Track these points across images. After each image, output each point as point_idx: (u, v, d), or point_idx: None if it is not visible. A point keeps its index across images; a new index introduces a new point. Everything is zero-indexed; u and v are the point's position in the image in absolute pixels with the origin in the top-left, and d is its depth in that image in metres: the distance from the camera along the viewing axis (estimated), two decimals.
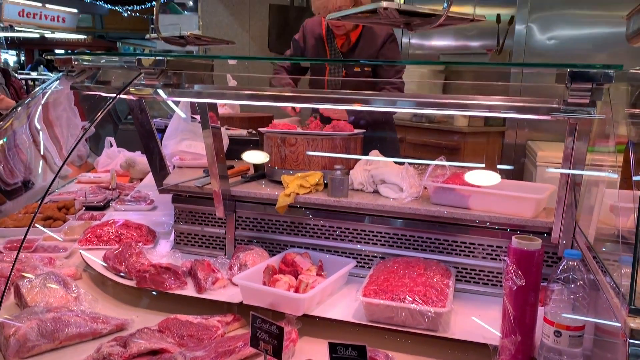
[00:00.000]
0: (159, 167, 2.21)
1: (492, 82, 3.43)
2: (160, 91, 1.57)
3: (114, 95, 1.51)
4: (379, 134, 2.55)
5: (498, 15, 3.26)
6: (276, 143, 2.05)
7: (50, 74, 14.85)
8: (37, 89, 2.45)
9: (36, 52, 23.14)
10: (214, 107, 1.79)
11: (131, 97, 1.65)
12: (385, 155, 2.12)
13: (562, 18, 3.21)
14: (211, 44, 3.03)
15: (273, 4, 5.02)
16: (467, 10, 1.54)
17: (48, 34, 18.00)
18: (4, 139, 1.99)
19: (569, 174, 1.51)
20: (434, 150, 3.32)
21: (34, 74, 14.73)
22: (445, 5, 1.61)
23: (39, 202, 2.73)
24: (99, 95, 1.72)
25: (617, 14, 3.12)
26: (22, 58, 19.85)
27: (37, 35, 18.06)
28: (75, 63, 1.70)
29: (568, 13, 3.20)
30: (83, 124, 3.45)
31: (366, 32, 2.54)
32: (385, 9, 1.58)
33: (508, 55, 3.33)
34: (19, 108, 2.28)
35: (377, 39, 2.53)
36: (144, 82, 1.58)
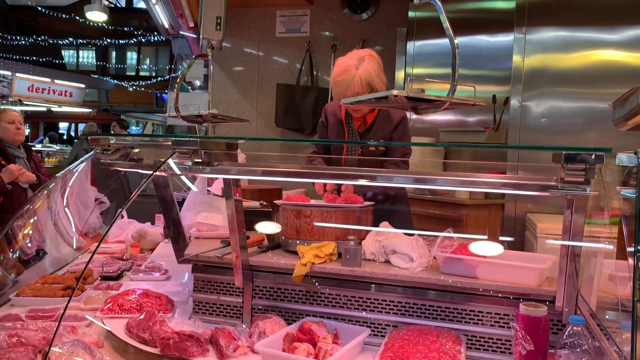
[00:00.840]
0: (179, 239, 2.33)
1: (492, 158, 3.62)
2: (192, 168, 1.71)
3: (150, 172, 1.66)
4: (390, 207, 2.70)
5: (494, 96, 3.50)
6: (292, 215, 2.18)
7: (54, 145, 15.23)
8: (67, 168, 2.63)
9: (41, 124, 23.74)
10: (237, 182, 1.94)
11: (163, 174, 1.79)
12: (397, 227, 2.25)
13: (554, 95, 3.43)
14: (227, 121, 3.23)
15: (280, 83, 5.32)
16: (467, 89, 1.72)
17: (55, 107, 18.60)
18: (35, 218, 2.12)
19: (568, 245, 1.63)
20: (437, 221, 3.46)
21: (39, 146, 15.09)
22: (449, 93, 1.80)
23: (62, 272, 2.83)
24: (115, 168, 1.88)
25: (605, 92, 3.34)
26: (28, 130, 20.33)
27: (44, 109, 18.64)
28: (112, 142, 1.86)
29: (560, 90, 3.42)
30: (97, 195, 3.60)
31: (382, 114, 2.76)
32: (396, 96, 1.76)
33: (504, 132, 3.54)
34: (52, 186, 2.43)
35: (391, 122, 2.74)
36: (176, 161, 1.73)
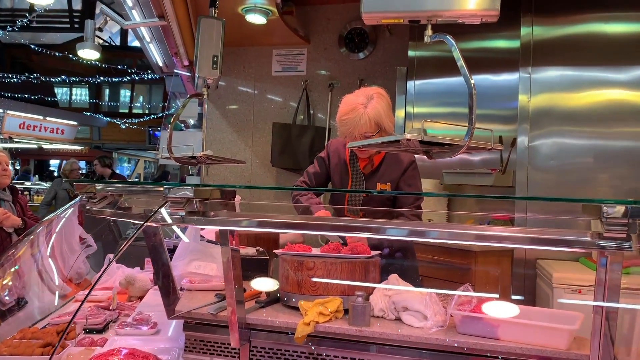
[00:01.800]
0: (169, 292, 2.15)
1: (500, 202, 3.49)
2: (186, 219, 1.56)
3: (141, 222, 1.50)
4: (396, 257, 2.54)
5: (500, 137, 3.40)
6: (293, 267, 2.02)
7: (44, 183, 15.01)
8: (55, 213, 2.46)
9: (32, 161, 23.56)
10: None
11: (154, 224, 1.64)
12: (404, 278, 2.09)
13: (562, 135, 3.35)
14: (222, 163, 3.09)
15: (276, 122, 5.22)
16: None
17: (46, 145, 18.46)
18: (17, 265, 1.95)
19: (603, 306, 1.48)
20: (445, 269, 3.29)
21: (28, 184, 14.86)
22: (467, 136, 1.67)
23: (38, 327, 2.62)
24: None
25: (615, 131, 3.25)
26: (17, 167, 20.14)
27: (35, 146, 18.49)
28: (98, 189, 1.71)
29: (568, 130, 3.34)
30: (84, 235, 3.41)
31: (389, 156, 2.63)
32: (408, 140, 1.63)
33: (512, 174, 3.43)
34: (37, 231, 2.26)
35: (400, 165, 2.61)
36: (168, 210, 1.58)
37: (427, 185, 3.79)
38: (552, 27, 3.43)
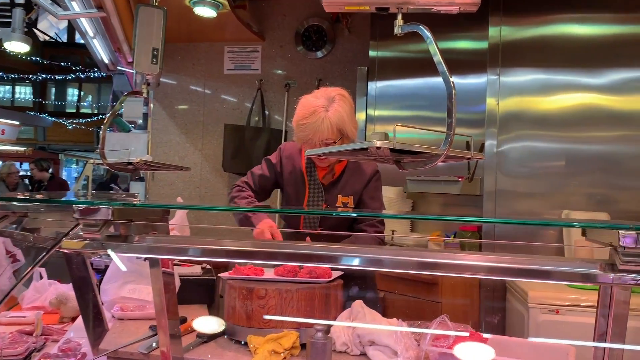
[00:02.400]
0: (94, 324, 1.82)
1: (466, 213, 3.28)
2: (104, 244, 1.26)
3: (46, 251, 1.19)
4: (359, 281, 2.29)
5: (467, 142, 3.19)
6: (241, 294, 1.73)
7: None
8: None
9: None
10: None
11: (65, 250, 1.32)
12: (365, 300, 1.84)
13: (532, 139, 3.20)
14: (163, 169, 2.77)
15: (228, 124, 4.90)
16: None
17: None
18: None
19: (605, 347, 1.26)
20: (409, 285, 3.07)
21: None
22: (445, 145, 1.43)
23: None
24: None
25: (586, 135, 3.13)
26: None
27: None
28: None
29: (538, 134, 3.19)
30: (10, 249, 3.02)
31: (351, 164, 2.36)
32: (378, 147, 1.38)
33: (479, 182, 3.24)
34: None
35: (363, 175, 2.35)
36: (81, 234, 1.27)
37: (390, 193, 3.57)
38: (521, 27, 3.27)
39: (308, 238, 1.75)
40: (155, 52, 2.62)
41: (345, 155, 1.75)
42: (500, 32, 3.26)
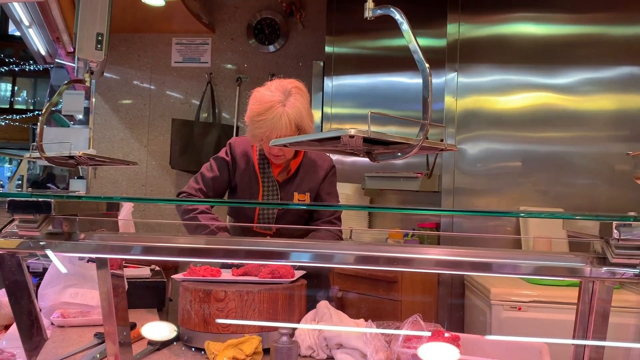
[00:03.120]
0: (31, 333, 1.64)
1: (423, 201, 3.27)
2: (42, 243, 1.11)
3: None
4: (323, 280, 2.19)
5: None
6: (197, 297, 1.60)
7: None
8: None
9: None
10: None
11: None
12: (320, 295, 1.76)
13: (490, 138, 3.21)
14: (107, 164, 2.59)
15: (176, 119, 4.70)
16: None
17: None
18: None
19: (585, 345, 1.22)
20: (368, 283, 3.00)
21: None
22: (420, 135, 1.37)
23: None
24: None
25: (543, 135, 3.16)
26: None
27: None
28: None
29: (496, 133, 3.21)
30: None
31: (307, 160, 2.26)
32: (352, 136, 1.29)
33: (437, 178, 3.22)
34: None
35: (319, 170, 2.26)
36: (17, 232, 1.12)
37: (347, 190, 3.50)
38: (480, 25, 3.27)
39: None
40: (100, 38, 2.44)
41: (311, 146, 1.66)
42: (459, 29, 3.25)
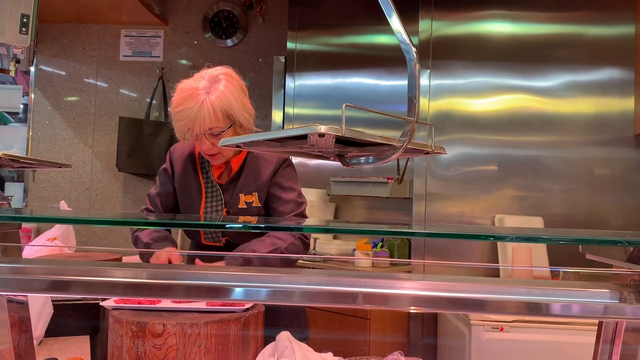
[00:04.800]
0: None
1: (395, 219, 3.05)
2: None
3: None
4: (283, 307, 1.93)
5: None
6: (130, 330, 1.32)
7: None
8: None
9: None
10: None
11: None
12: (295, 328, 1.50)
13: (464, 141, 3.05)
14: (36, 167, 2.27)
15: (124, 117, 4.35)
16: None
17: None
18: None
19: None
20: (341, 317, 2.74)
21: None
22: (406, 134, 1.13)
23: None
24: None
25: (519, 139, 3.02)
26: None
27: None
28: None
29: (471, 137, 3.05)
30: None
31: (252, 157, 1.98)
32: (322, 135, 1.05)
33: (409, 183, 3.01)
34: None
35: (267, 165, 1.97)
36: None
37: (310, 196, 3.24)
38: (453, 22, 3.10)
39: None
40: (25, 20, 2.10)
41: (270, 147, 1.40)
42: (432, 26, 3.06)
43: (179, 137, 1.88)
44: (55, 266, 0.87)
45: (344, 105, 1.04)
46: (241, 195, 1.95)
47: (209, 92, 1.77)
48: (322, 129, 1.02)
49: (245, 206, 1.95)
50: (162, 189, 2.01)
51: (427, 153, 1.30)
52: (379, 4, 1.21)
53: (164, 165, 2.03)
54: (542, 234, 1.09)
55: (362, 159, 1.17)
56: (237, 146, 1.43)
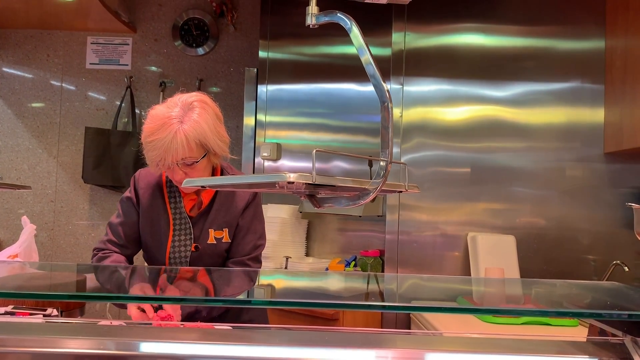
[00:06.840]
0: None
1: (366, 232, 3.01)
2: None
3: None
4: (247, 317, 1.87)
5: (370, 161, 2.93)
6: None
7: None
8: None
9: None
10: None
11: None
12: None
13: (437, 151, 3.05)
14: None
15: (90, 127, 4.23)
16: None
17: None
18: None
19: None
20: (306, 320, 2.71)
21: None
22: (380, 175, 1.11)
23: None
24: None
25: (492, 146, 3.04)
26: None
27: None
28: None
29: (444, 145, 3.08)
30: None
31: (222, 191, 1.92)
32: (291, 182, 1.01)
33: (382, 200, 2.99)
34: None
35: (237, 201, 1.91)
36: None
37: (282, 213, 3.20)
38: (426, 35, 3.09)
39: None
40: None
41: (239, 188, 1.35)
42: (405, 38, 3.04)
43: (150, 166, 1.81)
44: None
45: (314, 151, 1.01)
46: (211, 231, 1.89)
47: (183, 121, 1.71)
48: (291, 177, 0.98)
49: (215, 242, 1.90)
50: (126, 219, 1.93)
51: (401, 192, 1.27)
52: (353, 18, 1.18)
53: (126, 194, 1.95)
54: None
55: (334, 202, 1.13)
56: (202, 187, 1.36)
